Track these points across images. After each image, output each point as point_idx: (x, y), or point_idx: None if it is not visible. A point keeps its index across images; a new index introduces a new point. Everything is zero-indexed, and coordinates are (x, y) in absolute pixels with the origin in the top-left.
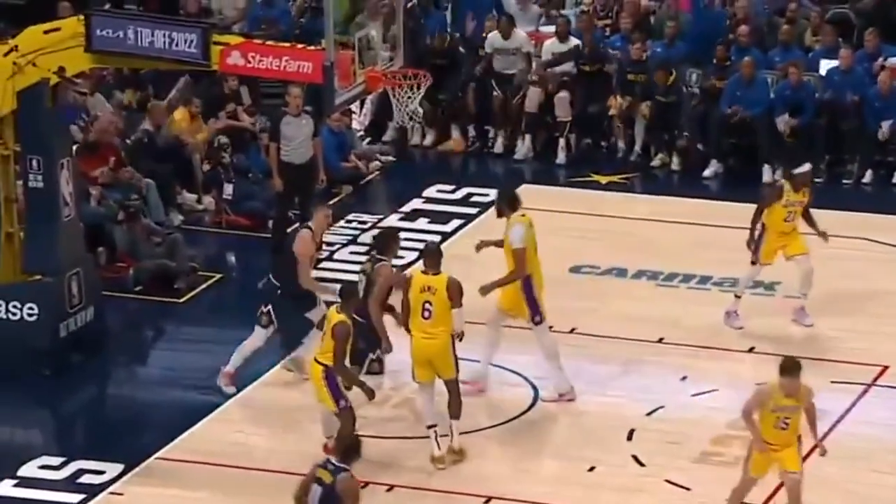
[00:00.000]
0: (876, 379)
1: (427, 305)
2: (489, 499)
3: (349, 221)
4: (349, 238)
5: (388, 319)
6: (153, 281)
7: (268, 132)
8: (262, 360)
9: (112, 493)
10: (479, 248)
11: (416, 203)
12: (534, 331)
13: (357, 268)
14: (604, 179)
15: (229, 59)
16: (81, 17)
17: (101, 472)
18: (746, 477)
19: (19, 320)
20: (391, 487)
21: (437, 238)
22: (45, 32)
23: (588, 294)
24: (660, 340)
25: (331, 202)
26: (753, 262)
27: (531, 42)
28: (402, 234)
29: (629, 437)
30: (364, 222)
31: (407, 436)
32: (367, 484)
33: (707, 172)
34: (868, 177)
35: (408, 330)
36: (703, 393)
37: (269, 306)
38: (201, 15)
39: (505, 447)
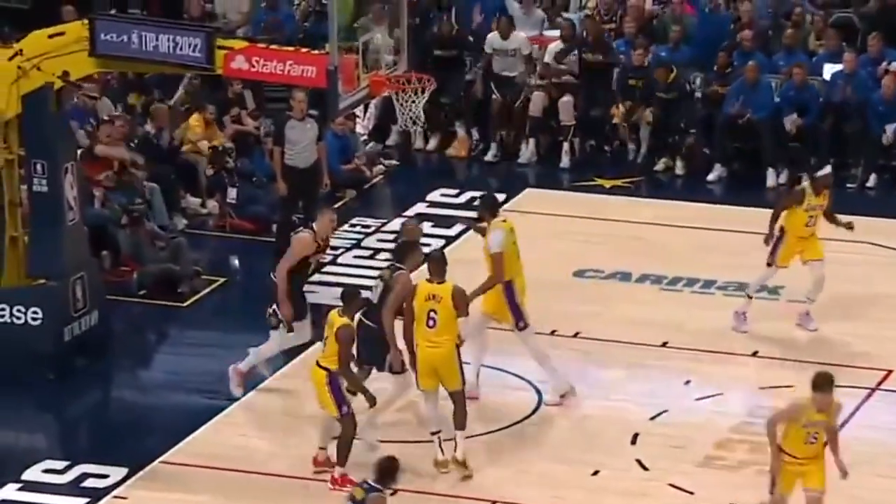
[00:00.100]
0: (880, 383)
1: (432, 314)
2: (493, 503)
3: (353, 225)
4: (353, 242)
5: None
6: (157, 285)
7: (272, 136)
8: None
9: (116, 496)
10: None
11: (419, 207)
12: (519, 336)
13: (357, 271)
14: (608, 183)
15: (233, 63)
16: (86, 21)
17: (104, 476)
18: (776, 499)
19: (23, 324)
20: (395, 491)
21: (441, 242)
22: (50, 37)
23: (592, 298)
24: (664, 344)
25: (335, 206)
26: (769, 264)
27: (530, 44)
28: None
29: (633, 441)
30: (368, 226)
31: (410, 440)
32: None
33: (711, 176)
34: (872, 181)
35: (408, 341)
36: (707, 397)
37: (275, 306)
38: (205, 19)
39: (508, 451)
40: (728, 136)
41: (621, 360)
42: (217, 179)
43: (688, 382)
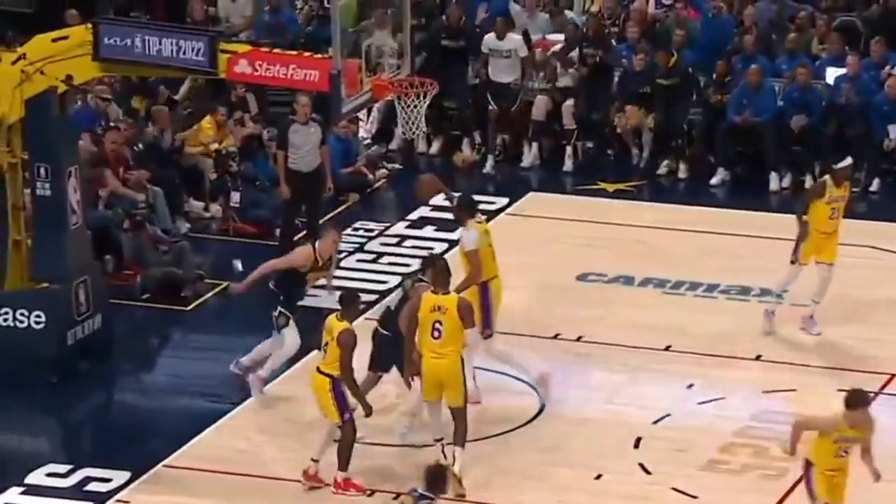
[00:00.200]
0: (883, 387)
1: (437, 325)
2: None
3: (356, 229)
4: (356, 246)
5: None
6: (160, 289)
7: (276, 140)
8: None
9: (119, 500)
10: None
11: (422, 211)
12: (482, 343)
13: (360, 275)
14: (611, 187)
15: (237, 67)
16: (89, 25)
17: (108, 480)
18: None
19: (27, 328)
20: (397, 496)
21: (443, 246)
22: (53, 41)
23: (595, 302)
24: (667, 348)
25: (338, 210)
26: (793, 262)
27: (525, 46)
28: (409, 243)
29: (636, 445)
30: (371, 230)
31: (413, 444)
32: (372, 492)
33: (714, 180)
34: (875, 185)
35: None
36: (710, 401)
37: (279, 308)
38: (208, 23)
39: (511, 455)
40: (731, 140)
41: (624, 364)
42: (220, 183)
43: (691, 386)
